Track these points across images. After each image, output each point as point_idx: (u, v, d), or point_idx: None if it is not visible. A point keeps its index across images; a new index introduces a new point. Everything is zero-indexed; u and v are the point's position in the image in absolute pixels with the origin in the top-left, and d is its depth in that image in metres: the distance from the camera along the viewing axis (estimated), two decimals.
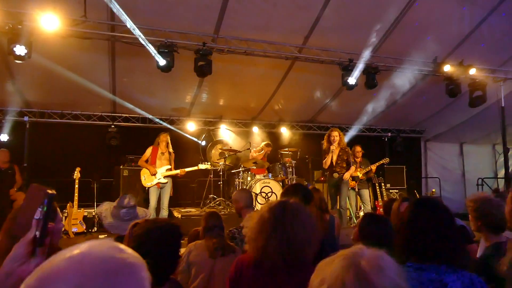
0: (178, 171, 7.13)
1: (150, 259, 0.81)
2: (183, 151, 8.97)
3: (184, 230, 2.64)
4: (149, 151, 7.11)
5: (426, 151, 11.53)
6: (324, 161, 6.92)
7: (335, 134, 6.82)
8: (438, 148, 11.43)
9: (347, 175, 6.82)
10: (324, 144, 6.94)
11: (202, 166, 7.58)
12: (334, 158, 6.79)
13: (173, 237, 1.83)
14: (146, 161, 7.08)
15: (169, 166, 7.08)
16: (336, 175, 6.81)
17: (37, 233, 1.10)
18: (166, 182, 7.00)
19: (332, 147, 6.80)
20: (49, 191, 1.13)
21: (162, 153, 7.09)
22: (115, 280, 0.69)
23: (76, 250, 0.72)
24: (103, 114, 8.98)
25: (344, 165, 6.87)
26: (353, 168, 6.98)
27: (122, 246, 0.75)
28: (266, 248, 1.77)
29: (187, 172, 7.32)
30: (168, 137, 7.21)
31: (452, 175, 11.27)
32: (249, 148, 8.87)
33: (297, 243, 1.74)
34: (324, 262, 0.96)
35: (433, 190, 9.34)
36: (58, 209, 2.07)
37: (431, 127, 10.83)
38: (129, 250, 0.75)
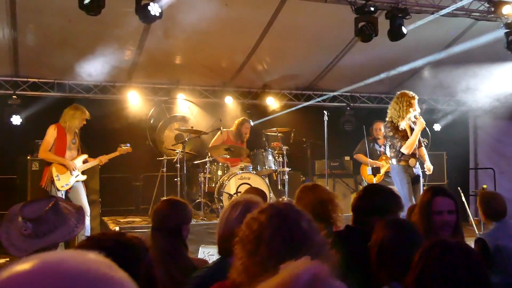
0: (96, 161, 7.20)
1: None
2: (120, 134, 8.89)
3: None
4: (51, 134, 6.78)
5: (476, 131, 11.74)
6: (407, 141, 6.59)
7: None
8: (493, 127, 11.59)
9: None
10: (405, 109, 6.58)
11: (124, 150, 7.51)
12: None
13: (131, 258, 1.80)
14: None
15: (85, 156, 7.12)
16: (413, 161, 6.68)
17: None
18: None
19: (417, 116, 6.59)
20: None
21: (73, 141, 6.97)
22: None
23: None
24: None
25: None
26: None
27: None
28: None
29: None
30: (86, 115, 7.00)
31: None
32: (220, 128, 8.85)
33: None
34: None
35: (484, 186, 9.53)
36: None
37: (483, 97, 10.96)
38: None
